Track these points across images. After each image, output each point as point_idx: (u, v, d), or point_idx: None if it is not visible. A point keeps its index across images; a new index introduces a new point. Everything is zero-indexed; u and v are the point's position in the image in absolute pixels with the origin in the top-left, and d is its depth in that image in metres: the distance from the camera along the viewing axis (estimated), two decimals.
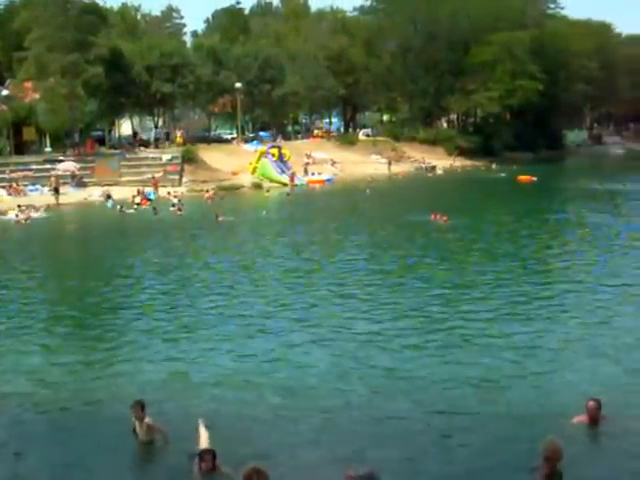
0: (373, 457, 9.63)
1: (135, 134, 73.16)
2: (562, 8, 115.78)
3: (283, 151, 64.40)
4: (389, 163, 74.01)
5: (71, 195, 51.43)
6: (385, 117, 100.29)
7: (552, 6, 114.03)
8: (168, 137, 73.36)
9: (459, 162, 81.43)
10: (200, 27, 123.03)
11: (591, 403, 10.64)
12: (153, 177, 54.65)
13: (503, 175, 66.90)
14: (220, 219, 36.95)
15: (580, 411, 10.69)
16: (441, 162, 78.95)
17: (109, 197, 49.12)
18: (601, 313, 17.06)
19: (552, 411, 11.24)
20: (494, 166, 76.31)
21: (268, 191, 54.83)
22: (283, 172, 61.33)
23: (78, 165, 56.33)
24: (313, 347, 14.93)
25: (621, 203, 43.26)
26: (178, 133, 73.21)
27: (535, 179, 59.17)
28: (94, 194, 51.61)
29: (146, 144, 70.68)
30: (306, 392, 12.47)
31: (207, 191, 51.60)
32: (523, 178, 59.70)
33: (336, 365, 13.72)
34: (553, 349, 14.44)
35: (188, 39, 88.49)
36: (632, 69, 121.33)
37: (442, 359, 13.96)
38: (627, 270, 22.26)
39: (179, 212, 41.47)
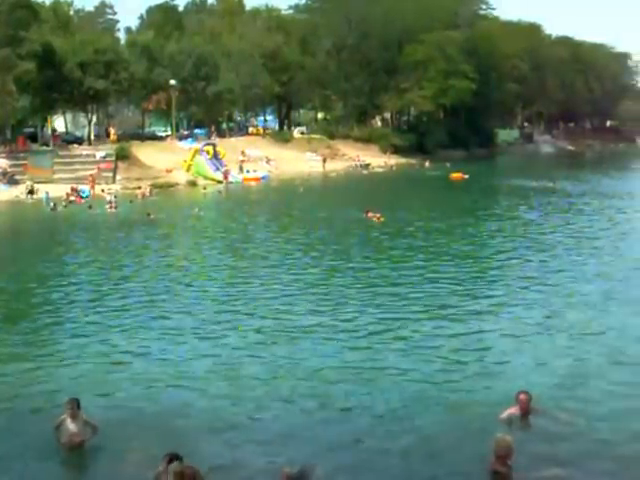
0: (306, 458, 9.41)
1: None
2: (493, 9, 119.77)
3: (218, 149, 65.44)
4: (324, 161, 75.66)
5: (2, 192, 51.65)
6: (320, 115, 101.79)
7: (484, 7, 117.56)
8: (108, 134, 73.20)
9: (393, 160, 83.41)
10: (134, 23, 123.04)
11: (522, 396, 10.95)
12: (91, 175, 55.26)
13: (436, 173, 68.74)
14: (152, 217, 37.47)
15: (511, 403, 11.00)
16: (375, 160, 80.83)
17: (31, 192, 49.71)
18: (534, 308, 17.49)
19: (485, 405, 11.51)
20: (428, 164, 78.48)
21: (205, 188, 55.56)
22: (218, 170, 62.27)
23: (9, 162, 56.58)
24: (240, 342, 15.11)
25: (551, 200, 44.61)
26: (112, 130, 73.59)
27: (467, 177, 61.17)
28: (25, 192, 51.95)
29: (80, 141, 70.74)
30: (237, 385, 12.70)
31: (139, 188, 52.44)
32: (455, 176, 61.66)
33: (268, 363, 13.74)
34: (486, 345, 14.75)
35: (122, 35, 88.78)
36: (561, 70, 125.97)
37: (373, 359, 13.96)
38: (557, 266, 22.92)
39: (113, 209, 42.19)
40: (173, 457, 8.67)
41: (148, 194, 50.94)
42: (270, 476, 8.97)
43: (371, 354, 14.24)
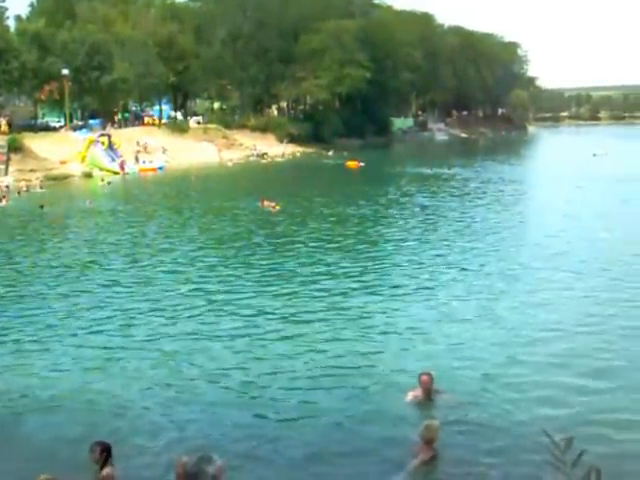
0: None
1: None
2: None
3: (113, 139, 66.38)
4: (219, 150, 77.67)
5: None
6: (216, 105, 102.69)
7: None
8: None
9: (290, 149, 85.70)
10: (24, 11, 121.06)
11: (424, 377, 11.12)
12: None
13: (333, 161, 71.29)
14: (44, 209, 37.67)
15: (414, 386, 11.28)
16: (272, 149, 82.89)
17: None
18: (433, 292, 18.17)
19: (387, 388, 11.85)
20: (330, 153, 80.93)
21: (103, 180, 55.49)
22: (113, 161, 63.03)
23: None
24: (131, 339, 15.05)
25: (445, 186, 46.94)
26: (3, 121, 73.36)
27: (363, 164, 63.72)
28: None
29: None
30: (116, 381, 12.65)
31: (29, 180, 52.59)
32: (352, 164, 64.05)
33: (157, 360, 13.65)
34: (385, 329, 15.12)
35: (11, 24, 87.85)
36: (454, 58, 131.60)
37: (273, 347, 14.14)
38: (454, 249, 24.15)
39: (3, 202, 42.27)
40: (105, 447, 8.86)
41: (38, 186, 51.22)
42: (167, 466, 9.03)
43: (276, 345, 14.31)
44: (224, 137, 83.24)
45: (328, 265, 22.01)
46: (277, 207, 34.90)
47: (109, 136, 66.89)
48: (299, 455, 9.91)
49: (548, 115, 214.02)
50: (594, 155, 71.16)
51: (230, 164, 72.34)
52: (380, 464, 9.52)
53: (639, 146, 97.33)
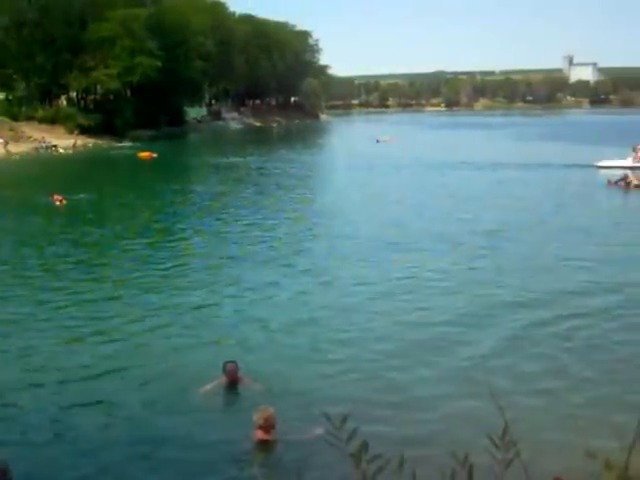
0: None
1: None
2: None
3: None
4: (6, 143, 75.80)
5: None
6: (1, 95, 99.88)
7: None
8: None
9: (81, 140, 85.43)
10: None
11: (230, 365, 11.80)
12: None
13: (125, 152, 71.94)
14: None
15: (218, 373, 11.90)
16: (63, 141, 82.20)
17: None
18: (238, 282, 19.29)
19: (191, 378, 12.21)
20: (122, 144, 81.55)
21: None
22: None
23: None
24: None
25: (238, 175, 49.75)
26: None
27: (156, 155, 64.78)
28: None
29: None
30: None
31: None
32: (144, 155, 64.98)
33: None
34: (195, 321, 15.94)
35: None
36: (246, 47, 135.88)
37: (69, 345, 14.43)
38: (248, 237, 26.22)
39: None
40: None
41: None
42: None
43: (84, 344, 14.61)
44: (11, 129, 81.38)
45: (111, 259, 22.89)
46: (64, 202, 34.78)
47: None
48: (119, 453, 10.00)
49: (339, 103, 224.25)
50: (377, 141, 79.33)
51: (17, 157, 71.25)
52: (204, 451, 9.84)
53: (422, 132, 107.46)
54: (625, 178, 40.19)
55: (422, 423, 10.80)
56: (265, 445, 9.78)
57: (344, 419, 2.26)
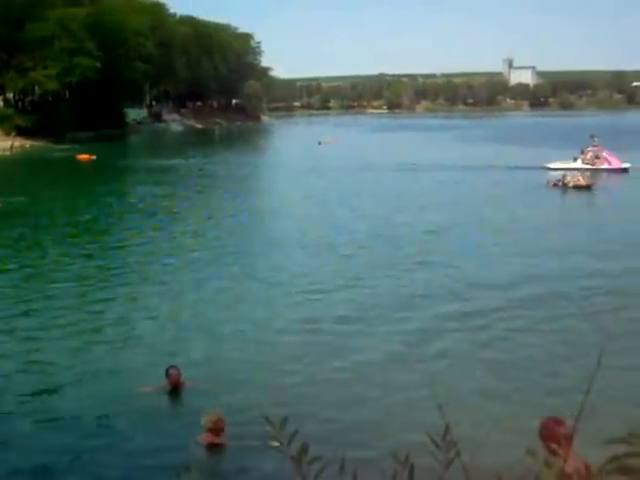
0: None
1: None
2: None
3: None
4: None
5: None
6: None
7: None
8: None
9: (19, 142, 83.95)
10: None
11: (172, 369, 11.97)
12: None
13: (63, 154, 70.95)
14: None
15: (161, 378, 12.00)
16: (0, 143, 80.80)
17: None
18: (174, 284, 19.52)
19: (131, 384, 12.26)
20: (62, 145, 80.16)
21: None
22: None
23: None
24: None
25: (184, 176, 49.83)
26: None
27: (94, 157, 64.05)
28: None
29: None
30: None
31: None
32: (82, 157, 64.41)
33: None
34: (131, 325, 16.08)
35: None
36: (187, 49, 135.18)
37: None
38: (186, 239, 26.74)
39: None
40: None
41: None
42: None
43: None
44: None
45: (44, 263, 22.95)
46: None
47: None
48: (56, 461, 9.86)
49: (281, 105, 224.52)
50: (319, 143, 79.85)
51: None
52: (149, 456, 9.87)
53: (364, 134, 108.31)
54: (563, 179, 41.03)
55: (363, 424, 10.86)
56: (214, 448, 9.78)
57: (283, 421, 2.24)
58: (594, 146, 51.05)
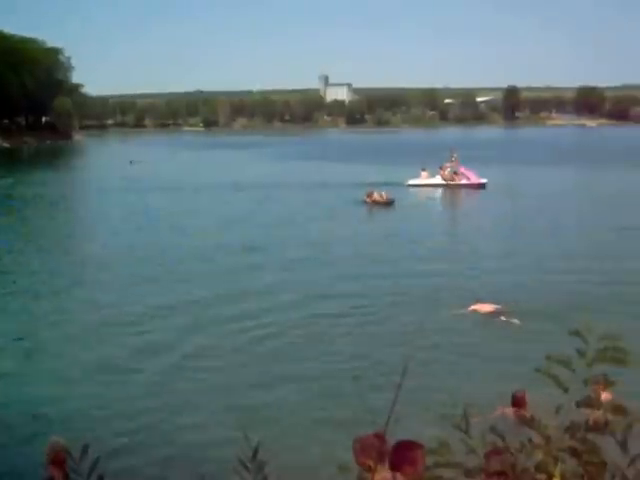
0: None
1: None
2: None
3: None
4: None
5: None
6: None
7: None
8: None
9: None
10: None
11: None
12: None
13: None
14: None
15: None
16: None
17: None
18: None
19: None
20: None
21: None
22: None
23: None
24: None
25: None
26: None
27: None
28: None
29: None
30: None
31: None
32: None
33: None
34: None
35: None
36: None
37: None
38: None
39: None
40: None
41: None
42: None
43: None
44: None
45: None
46: None
47: None
48: None
49: (94, 123, 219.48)
50: (131, 163, 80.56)
51: None
52: None
53: (179, 153, 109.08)
54: (370, 195, 44.06)
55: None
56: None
57: (85, 449, 2.56)
58: (452, 162, 52.68)
